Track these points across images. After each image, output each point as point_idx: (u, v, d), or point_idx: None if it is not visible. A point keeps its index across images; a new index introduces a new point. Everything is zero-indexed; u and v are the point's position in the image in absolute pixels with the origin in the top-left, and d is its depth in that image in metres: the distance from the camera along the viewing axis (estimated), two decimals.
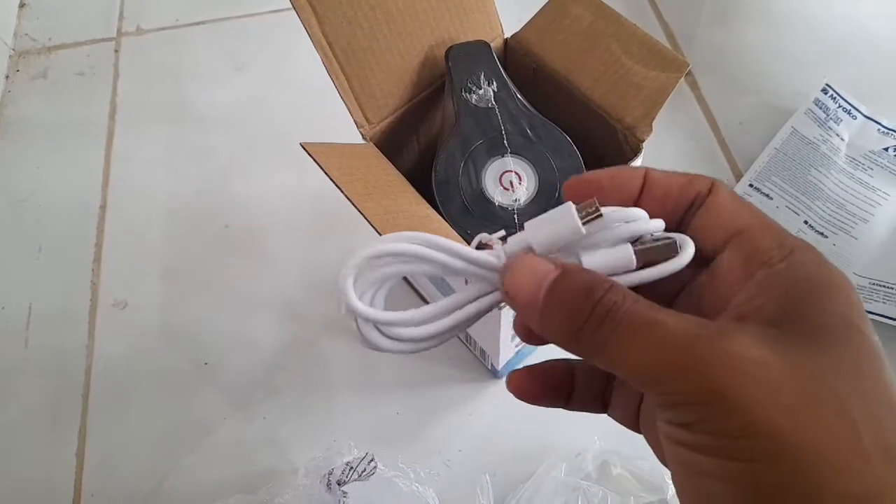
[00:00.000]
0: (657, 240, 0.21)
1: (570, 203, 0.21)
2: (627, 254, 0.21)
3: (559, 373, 0.25)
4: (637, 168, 0.22)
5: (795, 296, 0.18)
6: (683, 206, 0.22)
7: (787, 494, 0.15)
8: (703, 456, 0.16)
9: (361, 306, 0.21)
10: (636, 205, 0.22)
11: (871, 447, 0.16)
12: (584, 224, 0.20)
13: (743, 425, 0.16)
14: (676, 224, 0.22)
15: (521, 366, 0.25)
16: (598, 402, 0.25)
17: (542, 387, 0.24)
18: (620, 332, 0.18)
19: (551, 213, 0.21)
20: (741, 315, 0.18)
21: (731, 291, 0.19)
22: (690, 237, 0.21)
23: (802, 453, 0.15)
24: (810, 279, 0.18)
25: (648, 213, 0.21)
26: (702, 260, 0.21)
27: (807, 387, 0.16)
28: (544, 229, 0.21)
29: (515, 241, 0.22)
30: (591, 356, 0.19)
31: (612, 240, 0.21)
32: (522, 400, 0.24)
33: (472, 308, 0.22)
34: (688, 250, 0.20)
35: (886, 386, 0.17)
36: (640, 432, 0.24)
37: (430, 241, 0.21)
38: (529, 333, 0.23)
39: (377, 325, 0.22)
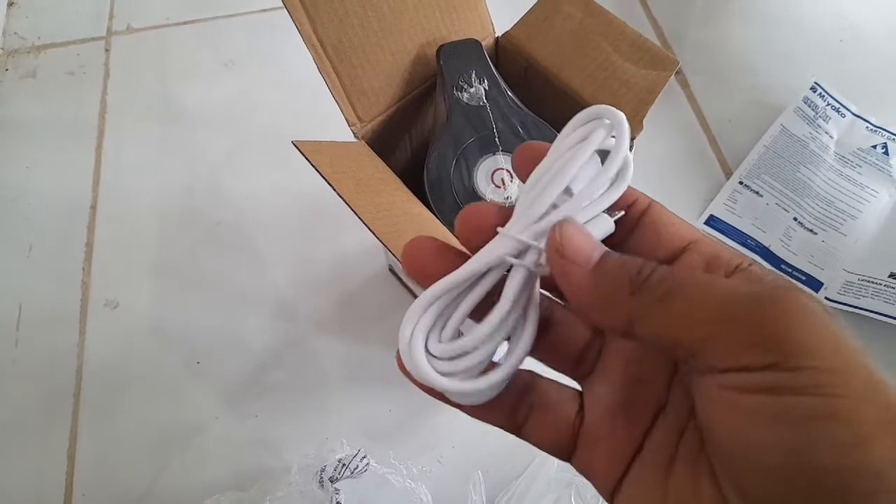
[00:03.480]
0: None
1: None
2: (609, 224, 0.22)
3: None
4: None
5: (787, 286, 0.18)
6: (623, 206, 0.22)
7: (890, 429, 0.15)
8: (807, 397, 0.16)
9: (439, 379, 0.21)
10: None
11: None
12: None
13: (837, 360, 0.16)
14: (624, 229, 0.22)
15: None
16: (506, 418, 0.23)
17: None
18: (688, 282, 0.18)
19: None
20: None
21: None
22: (641, 245, 0.22)
23: (887, 391, 0.16)
24: (789, 286, 0.19)
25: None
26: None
27: (852, 341, 0.17)
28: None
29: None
30: (649, 310, 0.18)
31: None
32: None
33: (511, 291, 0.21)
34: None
35: None
36: (566, 459, 0.22)
37: (449, 284, 0.21)
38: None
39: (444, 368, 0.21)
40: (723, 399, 0.17)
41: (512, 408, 0.22)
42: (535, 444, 0.23)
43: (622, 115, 0.21)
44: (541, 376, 0.23)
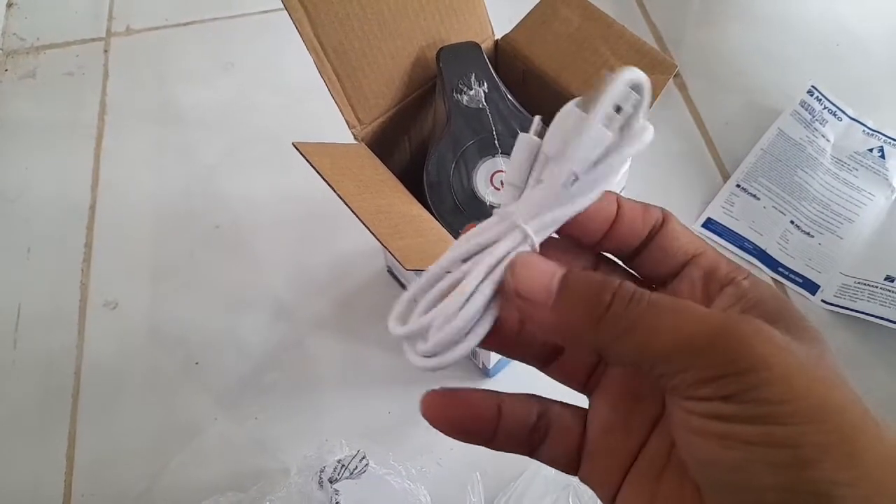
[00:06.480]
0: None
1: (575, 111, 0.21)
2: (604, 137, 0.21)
3: (484, 404, 0.22)
4: (608, 192, 0.22)
5: (771, 305, 0.20)
6: (646, 233, 0.22)
7: (833, 452, 0.16)
8: (748, 426, 0.17)
9: (400, 329, 0.20)
10: (611, 231, 0.22)
11: (870, 414, 0.17)
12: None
13: (787, 391, 0.17)
14: (636, 249, 0.22)
15: (440, 387, 0.22)
16: (525, 443, 0.23)
17: (462, 417, 0.22)
18: (651, 311, 0.18)
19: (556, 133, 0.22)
20: None
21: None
22: (649, 260, 0.22)
23: (840, 414, 0.17)
24: (774, 295, 0.20)
25: (622, 239, 0.22)
26: (658, 280, 0.22)
27: (820, 365, 0.18)
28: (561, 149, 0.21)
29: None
30: (613, 342, 0.18)
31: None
32: (437, 428, 0.21)
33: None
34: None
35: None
36: (575, 474, 0.23)
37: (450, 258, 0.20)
38: (508, 345, 0.23)
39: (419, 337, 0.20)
40: (678, 417, 0.18)
41: (528, 435, 0.23)
42: (547, 463, 0.23)
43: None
44: (550, 400, 0.24)
